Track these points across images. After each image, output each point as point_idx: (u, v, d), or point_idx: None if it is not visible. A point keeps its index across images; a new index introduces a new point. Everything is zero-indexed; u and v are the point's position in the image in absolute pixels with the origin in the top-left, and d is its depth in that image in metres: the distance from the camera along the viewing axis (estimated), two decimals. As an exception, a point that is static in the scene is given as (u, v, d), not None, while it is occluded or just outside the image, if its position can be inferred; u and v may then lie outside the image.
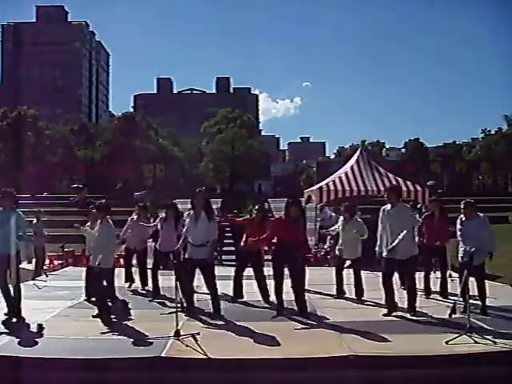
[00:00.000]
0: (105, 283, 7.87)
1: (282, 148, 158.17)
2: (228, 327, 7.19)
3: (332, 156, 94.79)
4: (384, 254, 7.74)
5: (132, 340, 6.51)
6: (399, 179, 16.72)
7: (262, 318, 7.70)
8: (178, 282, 6.98)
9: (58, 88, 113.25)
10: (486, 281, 10.64)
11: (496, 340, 6.17)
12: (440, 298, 9.01)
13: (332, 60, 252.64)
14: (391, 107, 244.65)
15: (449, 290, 9.20)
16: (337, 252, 9.64)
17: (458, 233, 8.08)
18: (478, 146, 68.34)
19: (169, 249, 9.05)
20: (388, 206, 7.90)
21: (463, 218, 8.09)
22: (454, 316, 7.43)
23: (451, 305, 7.68)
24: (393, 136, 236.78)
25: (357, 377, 5.61)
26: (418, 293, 8.22)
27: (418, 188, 16.42)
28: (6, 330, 7.05)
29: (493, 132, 65.28)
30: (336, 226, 9.97)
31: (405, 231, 7.51)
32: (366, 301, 9.00)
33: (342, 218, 9.81)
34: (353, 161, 17.50)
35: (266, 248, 9.22)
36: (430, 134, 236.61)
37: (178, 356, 5.87)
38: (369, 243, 8.87)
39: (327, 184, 16.63)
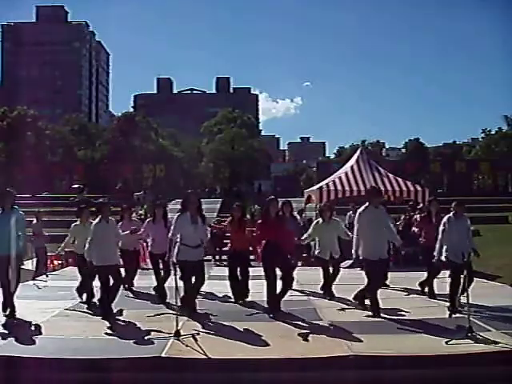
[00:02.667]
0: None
1: (281, 148, 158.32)
2: (228, 327, 7.18)
3: (332, 156, 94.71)
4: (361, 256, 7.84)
5: (132, 340, 6.50)
6: (399, 179, 16.74)
7: (262, 319, 7.69)
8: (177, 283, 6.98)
9: (57, 88, 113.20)
10: (486, 281, 10.71)
11: (496, 340, 6.17)
12: (441, 298, 8.99)
13: (332, 60, 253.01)
14: (391, 107, 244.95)
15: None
16: (318, 254, 9.60)
17: (442, 228, 8.08)
18: (478, 145, 68.37)
19: (162, 250, 9.06)
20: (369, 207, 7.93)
21: (452, 217, 8.13)
22: (453, 316, 7.43)
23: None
24: (393, 136, 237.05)
25: (357, 377, 5.62)
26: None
27: (418, 188, 16.44)
28: (6, 331, 7.05)
29: (493, 132, 65.35)
30: (308, 233, 9.87)
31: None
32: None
33: (320, 220, 9.77)
34: (353, 161, 17.52)
35: (251, 248, 9.21)
36: (429, 134, 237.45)
37: (178, 356, 5.87)
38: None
39: (327, 184, 16.66)
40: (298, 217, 13.62)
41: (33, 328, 7.21)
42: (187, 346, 6.16)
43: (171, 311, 7.52)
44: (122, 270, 10.34)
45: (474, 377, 5.61)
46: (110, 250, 8.03)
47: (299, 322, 7.42)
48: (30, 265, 13.59)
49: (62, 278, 12.41)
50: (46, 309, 8.42)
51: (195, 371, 5.72)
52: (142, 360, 5.76)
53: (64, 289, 10.43)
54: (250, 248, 9.08)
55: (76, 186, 37.73)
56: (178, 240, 7.66)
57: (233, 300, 9.06)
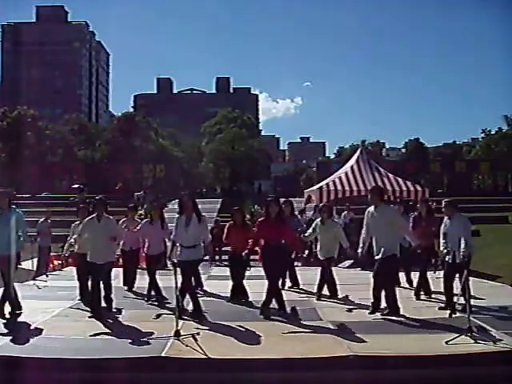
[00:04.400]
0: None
1: (281, 148, 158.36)
2: (228, 327, 7.17)
3: (332, 156, 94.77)
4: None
5: (132, 340, 6.50)
6: (399, 179, 16.76)
7: (262, 319, 7.68)
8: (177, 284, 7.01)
9: (57, 88, 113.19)
10: (486, 281, 10.71)
11: (496, 340, 6.17)
12: (442, 298, 8.98)
13: (332, 60, 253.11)
14: (391, 107, 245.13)
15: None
16: (318, 254, 9.63)
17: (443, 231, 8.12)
18: (478, 145, 68.37)
19: (158, 251, 9.03)
20: (371, 208, 7.96)
21: (446, 218, 8.17)
22: (453, 316, 7.43)
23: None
24: (393, 136, 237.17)
25: (357, 377, 5.61)
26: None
27: (418, 188, 16.46)
28: (6, 331, 7.05)
29: (493, 132, 65.36)
30: (310, 231, 9.88)
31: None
32: (364, 300, 9.00)
33: (319, 219, 9.79)
34: (353, 161, 17.54)
35: (248, 250, 9.25)
36: (429, 134, 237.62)
37: (178, 356, 5.87)
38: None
39: (327, 184, 16.67)
40: (299, 216, 13.63)
41: (33, 328, 7.21)
42: (187, 345, 6.16)
43: (169, 312, 7.53)
44: (119, 270, 10.42)
45: (474, 377, 5.60)
46: (97, 248, 7.99)
47: (299, 322, 7.42)
48: (30, 265, 13.58)
49: (62, 278, 12.40)
50: (46, 309, 8.41)
51: (195, 371, 5.72)
52: (142, 360, 5.76)
53: (64, 289, 10.43)
54: (248, 248, 9.06)
55: (76, 186, 37.72)
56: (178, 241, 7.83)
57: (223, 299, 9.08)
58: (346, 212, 16.99)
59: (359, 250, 8.07)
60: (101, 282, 8.02)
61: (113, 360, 5.77)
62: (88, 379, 5.67)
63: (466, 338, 6.22)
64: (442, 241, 8.09)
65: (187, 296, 7.85)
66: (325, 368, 5.67)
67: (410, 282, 10.14)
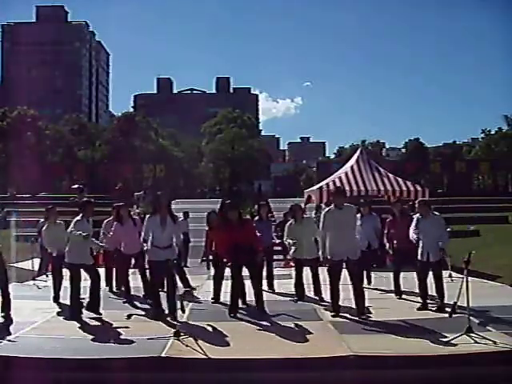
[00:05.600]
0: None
1: (281, 148, 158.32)
2: (228, 327, 7.18)
3: (332, 156, 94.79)
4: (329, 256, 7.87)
5: (132, 340, 6.50)
6: (399, 179, 16.75)
7: (262, 318, 7.69)
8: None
9: (57, 88, 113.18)
10: (486, 281, 10.70)
11: (496, 340, 6.17)
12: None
13: (332, 60, 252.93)
14: (391, 107, 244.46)
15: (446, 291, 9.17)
16: (293, 255, 9.32)
17: (416, 231, 8.15)
18: (478, 146, 68.42)
19: (134, 250, 9.00)
20: (332, 207, 7.96)
21: (420, 217, 8.21)
22: (453, 316, 7.43)
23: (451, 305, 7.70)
24: (393, 136, 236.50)
25: (357, 377, 5.62)
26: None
27: (418, 188, 16.45)
28: (6, 330, 7.05)
29: (493, 132, 65.40)
30: (285, 235, 9.51)
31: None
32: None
33: (292, 220, 9.49)
34: (353, 161, 17.53)
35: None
36: (429, 134, 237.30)
37: (178, 356, 5.87)
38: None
39: (327, 184, 16.65)
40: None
41: (33, 328, 7.21)
42: (187, 346, 6.16)
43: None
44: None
45: (474, 377, 5.60)
46: (86, 249, 8.01)
47: (299, 322, 7.42)
48: (30, 265, 13.57)
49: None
50: (46, 309, 8.42)
51: (195, 371, 5.72)
52: (142, 360, 5.76)
53: (64, 289, 10.41)
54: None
55: (76, 186, 37.68)
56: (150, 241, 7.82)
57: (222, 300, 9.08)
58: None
59: (320, 253, 8.07)
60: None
61: (112, 360, 5.78)
62: (88, 379, 5.68)
63: (466, 337, 6.23)
64: (413, 236, 8.11)
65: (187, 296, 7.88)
66: (325, 368, 5.67)
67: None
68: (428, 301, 8.23)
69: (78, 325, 7.46)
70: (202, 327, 7.15)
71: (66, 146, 64.86)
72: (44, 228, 9.94)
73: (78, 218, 8.10)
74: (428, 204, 8.37)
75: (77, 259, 7.96)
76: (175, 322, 6.77)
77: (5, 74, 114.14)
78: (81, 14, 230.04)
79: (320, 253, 8.00)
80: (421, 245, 8.07)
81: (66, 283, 10.84)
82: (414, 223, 8.26)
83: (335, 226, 7.76)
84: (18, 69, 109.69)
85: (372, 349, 5.99)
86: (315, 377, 5.64)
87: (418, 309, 8.16)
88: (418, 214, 8.31)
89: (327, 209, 8.08)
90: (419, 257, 8.11)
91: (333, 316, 7.76)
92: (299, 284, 9.29)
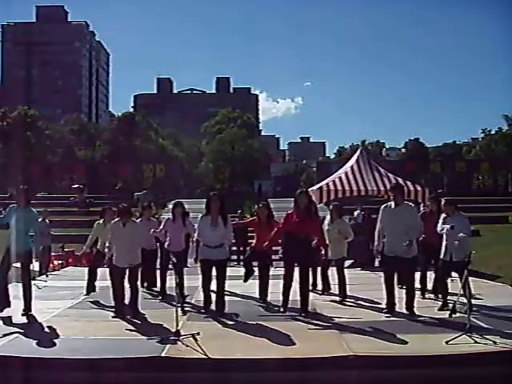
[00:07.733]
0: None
1: (282, 148, 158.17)
2: (228, 327, 7.19)
3: (332, 156, 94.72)
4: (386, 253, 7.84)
5: (132, 340, 6.50)
6: (399, 179, 16.73)
7: (262, 318, 7.69)
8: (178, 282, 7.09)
9: (57, 88, 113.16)
10: (486, 281, 10.71)
11: (496, 340, 6.16)
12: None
13: (332, 60, 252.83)
14: (391, 107, 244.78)
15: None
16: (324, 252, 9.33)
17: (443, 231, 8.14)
18: (478, 146, 68.38)
19: (178, 248, 9.04)
20: (392, 205, 7.93)
21: (445, 216, 8.21)
22: (453, 316, 7.44)
23: (451, 305, 7.70)
24: (393, 136, 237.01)
25: (357, 377, 5.62)
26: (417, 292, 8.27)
27: (418, 188, 16.44)
28: (6, 330, 7.05)
29: (493, 132, 65.39)
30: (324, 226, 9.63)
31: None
32: (365, 300, 9.01)
33: (328, 217, 9.71)
34: (353, 161, 17.51)
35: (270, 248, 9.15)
36: (429, 134, 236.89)
37: (178, 356, 5.87)
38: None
39: (327, 184, 16.63)
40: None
41: (33, 328, 7.21)
42: (187, 346, 6.16)
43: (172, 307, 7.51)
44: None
45: (474, 377, 5.60)
46: (124, 252, 7.96)
47: (299, 322, 7.42)
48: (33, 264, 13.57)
49: (62, 278, 12.42)
50: (46, 309, 8.42)
51: (195, 371, 5.72)
52: (142, 360, 5.76)
53: (64, 289, 10.43)
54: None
55: (76, 186, 37.71)
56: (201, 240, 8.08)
57: (227, 300, 9.05)
58: (358, 211, 16.54)
59: (375, 247, 8.17)
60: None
61: (113, 360, 5.77)
62: (88, 379, 5.68)
63: (466, 337, 6.23)
64: (442, 229, 8.08)
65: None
66: (325, 368, 5.67)
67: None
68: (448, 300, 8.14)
69: (79, 325, 7.46)
70: (202, 327, 7.14)
71: (66, 145, 64.88)
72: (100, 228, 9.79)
73: (116, 220, 8.15)
74: (454, 203, 8.30)
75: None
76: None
77: (5, 74, 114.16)
78: (81, 14, 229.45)
79: (374, 246, 8.10)
80: (444, 244, 8.03)
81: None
82: (440, 222, 8.24)
83: (391, 223, 7.79)
84: (18, 69, 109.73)
85: (372, 349, 5.99)
86: (315, 377, 5.64)
87: (439, 309, 8.09)
88: (443, 214, 8.27)
89: (385, 205, 8.09)
90: (442, 256, 8.04)
91: (385, 313, 7.80)
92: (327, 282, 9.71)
